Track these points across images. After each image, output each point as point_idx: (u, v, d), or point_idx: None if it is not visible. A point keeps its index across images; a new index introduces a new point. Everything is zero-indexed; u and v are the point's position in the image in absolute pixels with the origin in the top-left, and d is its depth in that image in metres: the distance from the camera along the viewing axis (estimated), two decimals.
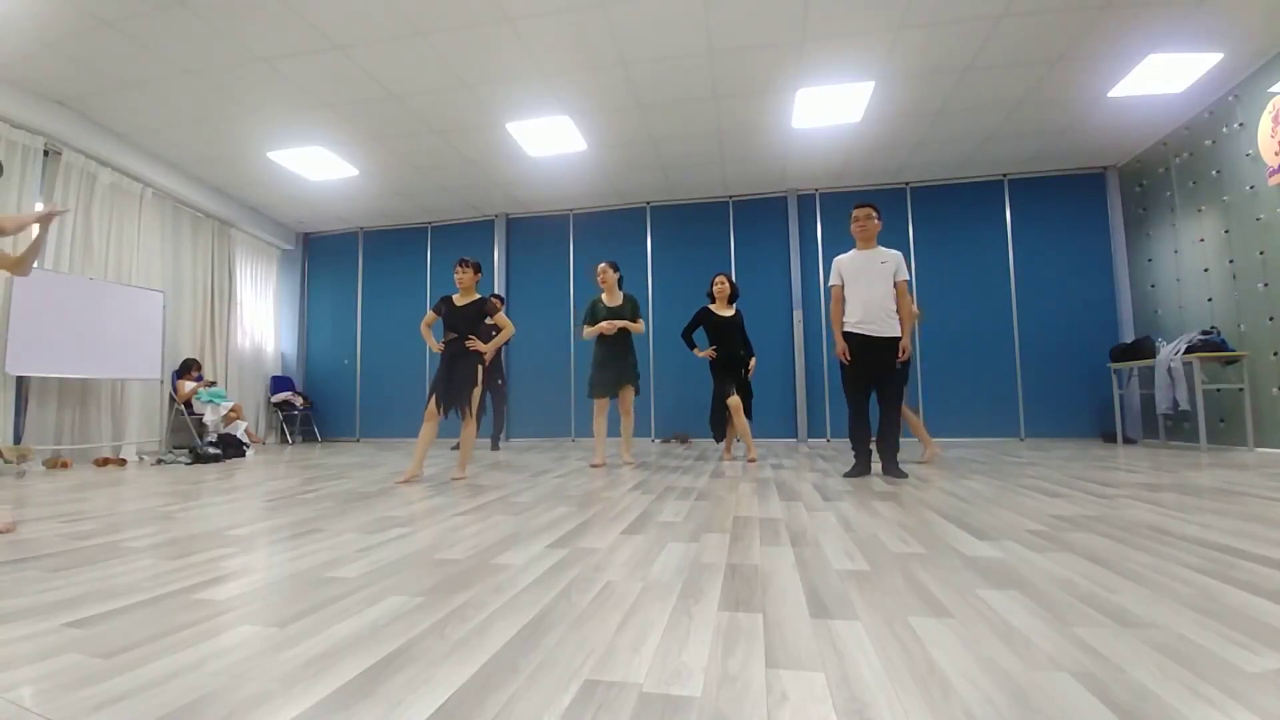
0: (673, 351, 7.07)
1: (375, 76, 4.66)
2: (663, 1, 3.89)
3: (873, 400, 3.58)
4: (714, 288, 4.79)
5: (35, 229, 2.52)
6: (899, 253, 3.55)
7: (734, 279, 4.88)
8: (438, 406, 3.81)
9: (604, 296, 4.50)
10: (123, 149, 5.60)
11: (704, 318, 4.75)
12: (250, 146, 5.84)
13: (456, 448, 4.34)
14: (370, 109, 5.15)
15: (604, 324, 4.34)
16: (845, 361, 3.55)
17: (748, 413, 4.75)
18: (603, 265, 4.48)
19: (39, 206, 5.11)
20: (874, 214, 3.57)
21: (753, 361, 4.85)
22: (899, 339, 3.46)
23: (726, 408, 4.58)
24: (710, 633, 1.19)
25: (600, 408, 4.46)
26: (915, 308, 4.37)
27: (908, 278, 3.52)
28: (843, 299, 3.60)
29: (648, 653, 1.10)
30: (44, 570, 1.74)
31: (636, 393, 4.46)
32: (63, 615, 1.34)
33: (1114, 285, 6.42)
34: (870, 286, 3.49)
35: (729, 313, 4.74)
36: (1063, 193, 6.60)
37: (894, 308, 3.48)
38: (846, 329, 3.55)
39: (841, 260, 3.64)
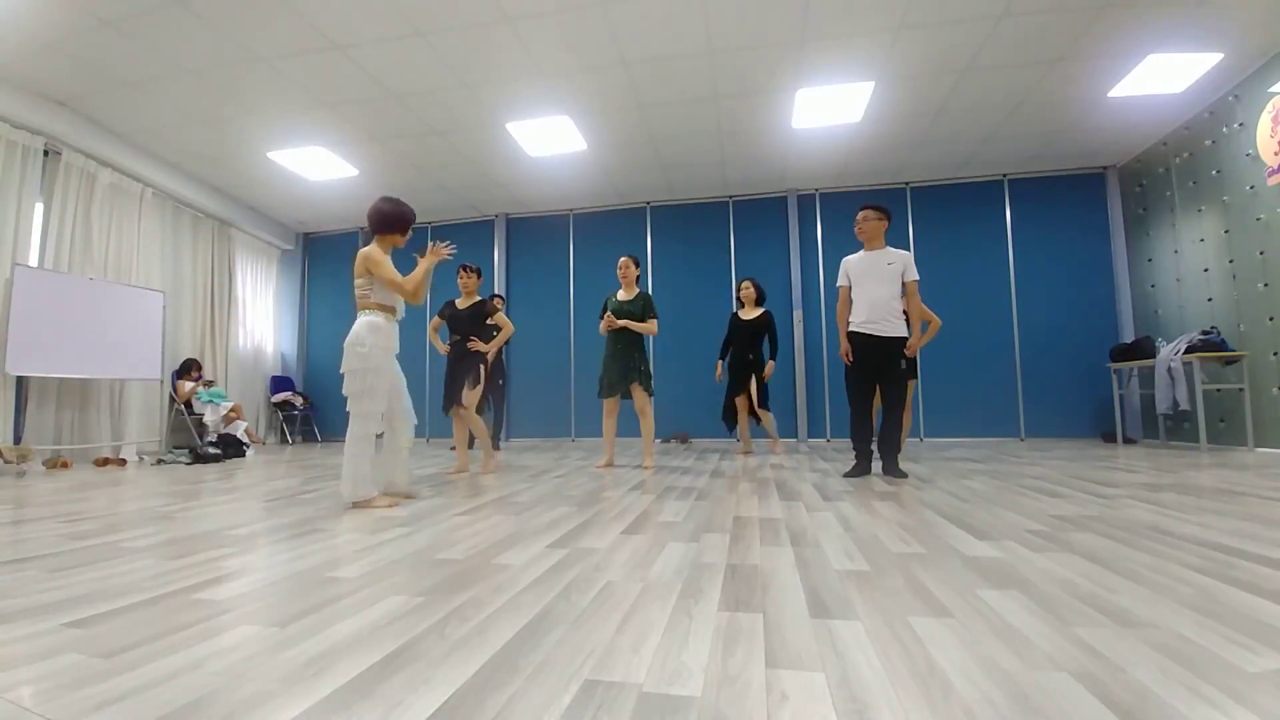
0: (673, 352, 7.08)
1: (375, 76, 4.66)
2: (663, 1, 3.89)
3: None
4: (740, 293, 4.95)
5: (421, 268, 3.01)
6: (908, 253, 3.54)
7: (759, 282, 5.11)
8: (445, 407, 4.05)
9: (620, 291, 4.45)
10: (123, 149, 5.60)
11: (730, 324, 4.93)
12: (250, 146, 5.84)
13: (454, 449, 4.41)
14: (370, 109, 5.15)
15: (605, 319, 4.33)
16: (848, 362, 3.56)
17: (761, 404, 5.07)
18: (624, 259, 4.41)
19: (37, 207, 5.10)
20: (872, 214, 3.57)
21: (769, 366, 4.93)
22: (904, 339, 3.46)
23: (734, 404, 4.98)
24: (710, 633, 1.19)
25: (609, 408, 4.37)
26: (935, 318, 4.60)
27: (917, 278, 3.50)
28: (850, 300, 3.60)
29: (648, 653, 1.10)
30: (44, 570, 1.74)
31: (649, 393, 4.28)
32: (63, 615, 1.34)
33: (1114, 285, 6.42)
34: (875, 287, 3.49)
35: (751, 316, 4.88)
36: (1063, 193, 6.60)
37: (900, 309, 3.48)
38: (851, 329, 3.55)
39: (849, 261, 3.64)
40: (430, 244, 3.09)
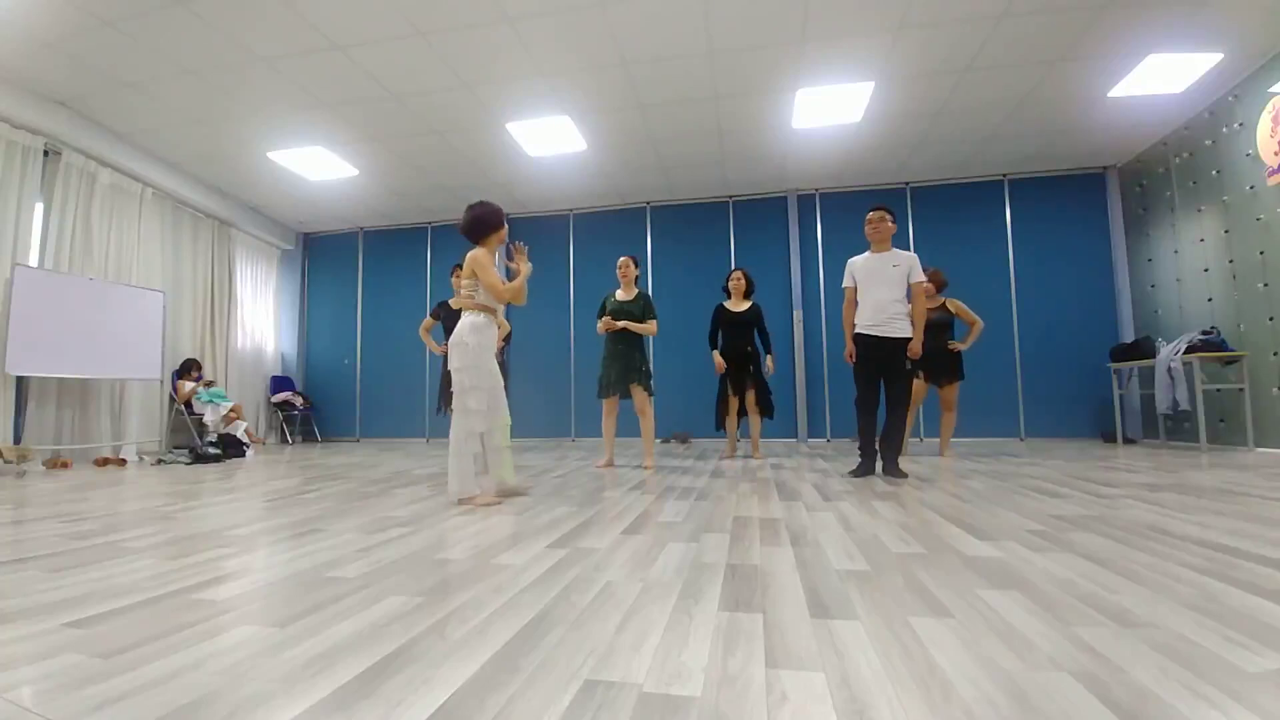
0: (672, 352, 7.08)
1: (375, 76, 4.66)
2: (663, 1, 3.89)
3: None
4: (729, 283, 4.87)
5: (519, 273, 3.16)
6: (914, 255, 3.55)
7: (750, 274, 4.96)
8: (439, 408, 4.03)
9: (619, 291, 4.42)
10: (123, 149, 5.60)
11: (717, 315, 4.85)
12: (250, 146, 5.83)
13: None
14: (370, 109, 5.15)
15: (603, 320, 4.32)
16: (851, 363, 3.57)
17: (765, 410, 4.89)
18: (624, 259, 4.40)
19: (37, 207, 5.10)
20: (887, 216, 3.57)
21: (769, 360, 4.87)
22: (908, 340, 3.47)
23: (728, 399, 4.85)
24: (710, 633, 1.19)
25: (608, 408, 4.36)
26: (977, 319, 4.70)
27: (922, 279, 3.52)
28: (855, 301, 3.61)
29: (648, 653, 1.10)
30: (44, 570, 1.74)
31: (649, 393, 4.28)
32: (63, 615, 1.34)
33: (1114, 285, 6.42)
34: (879, 289, 3.50)
35: (740, 308, 4.80)
36: (1063, 193, 6.60)
37: (904, 310, 3.49)
38: (857, 330, 3.57)
39: (854, 262, 3.65)
40: (514, 244, 3.18)
